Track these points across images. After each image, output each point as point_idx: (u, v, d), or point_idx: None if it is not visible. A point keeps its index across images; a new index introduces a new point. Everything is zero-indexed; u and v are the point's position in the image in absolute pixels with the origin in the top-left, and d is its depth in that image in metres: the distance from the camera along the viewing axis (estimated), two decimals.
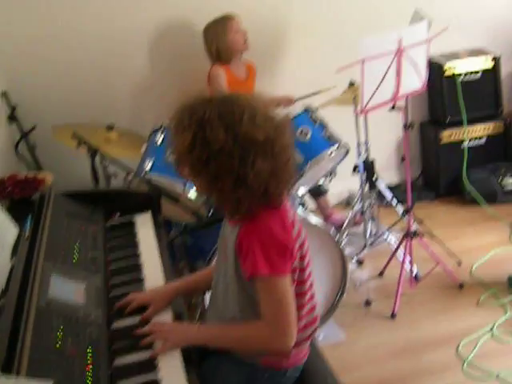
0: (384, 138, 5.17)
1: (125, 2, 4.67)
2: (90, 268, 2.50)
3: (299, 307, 2.22)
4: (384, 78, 3.61)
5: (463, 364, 3.53)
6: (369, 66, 3.51)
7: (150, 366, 2.03)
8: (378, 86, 3.59)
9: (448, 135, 5.33)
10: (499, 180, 5.21)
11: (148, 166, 3.62)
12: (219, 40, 4.55)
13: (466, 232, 4.90)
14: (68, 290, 2.26)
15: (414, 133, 5.53)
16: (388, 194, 4.72)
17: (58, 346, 1.95)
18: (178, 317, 2.33)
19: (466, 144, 5.32)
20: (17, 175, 3.25)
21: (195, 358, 2.17)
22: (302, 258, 2.21)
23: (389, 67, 3.62)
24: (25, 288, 2.15)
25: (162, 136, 3.78)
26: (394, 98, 3.76)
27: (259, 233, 2.07)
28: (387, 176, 5.40)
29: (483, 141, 5.42)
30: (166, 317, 2.31)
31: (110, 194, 3.22)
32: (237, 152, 2.01)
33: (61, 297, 2.19)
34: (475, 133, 5.38)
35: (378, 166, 4.76)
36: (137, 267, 2.61)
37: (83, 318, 2.14)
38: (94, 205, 3.01)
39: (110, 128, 4.13)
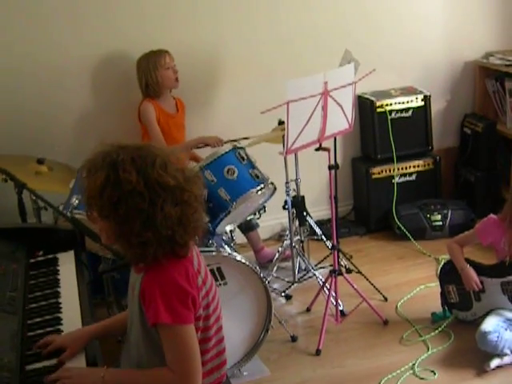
0: (316, 173, 5.21)
1: (67, 33, 4.66)
2: (6, 309, 2.50)
3: (204, 352, 2.26)
4: (310, 119, 3.68)
5: None
6: (294, 107, 3.57)
7: None
8: (304, 127, 3.66)
9: (379, 171, 5.43)
10: (428, 216, 5.32)
11: (75, 202, 3.61)
12: (149, 74, 4.56)
13: (395, 267, 4.97)
14: None
15: (347, 168, 5.63)
16: (318, 230, 4.79)
17: None
18: (92, 361, 2.34)
19: (396, 180, 5.44)
20: None
21: None
22: (208, 305, 2.26)
23: (314, 109, 3.69)
24: None
25: None
26: (320, 138, 3.83)
27: (162, 282, 2.12)
28: (319, 210, 5.49)
29: (413, 177, 5.53)
30: (81, 361, 2.33)
31: (35, 230, 3.23)
32: (147, 194, 2.07)
33: None
34: (405, 169, 5.49)
35: (310, 201, 4.84)
36: (55, 307, 2.63)
37: None
38: (17, 242, 3.02)
39: (40, 162, 4.12)
